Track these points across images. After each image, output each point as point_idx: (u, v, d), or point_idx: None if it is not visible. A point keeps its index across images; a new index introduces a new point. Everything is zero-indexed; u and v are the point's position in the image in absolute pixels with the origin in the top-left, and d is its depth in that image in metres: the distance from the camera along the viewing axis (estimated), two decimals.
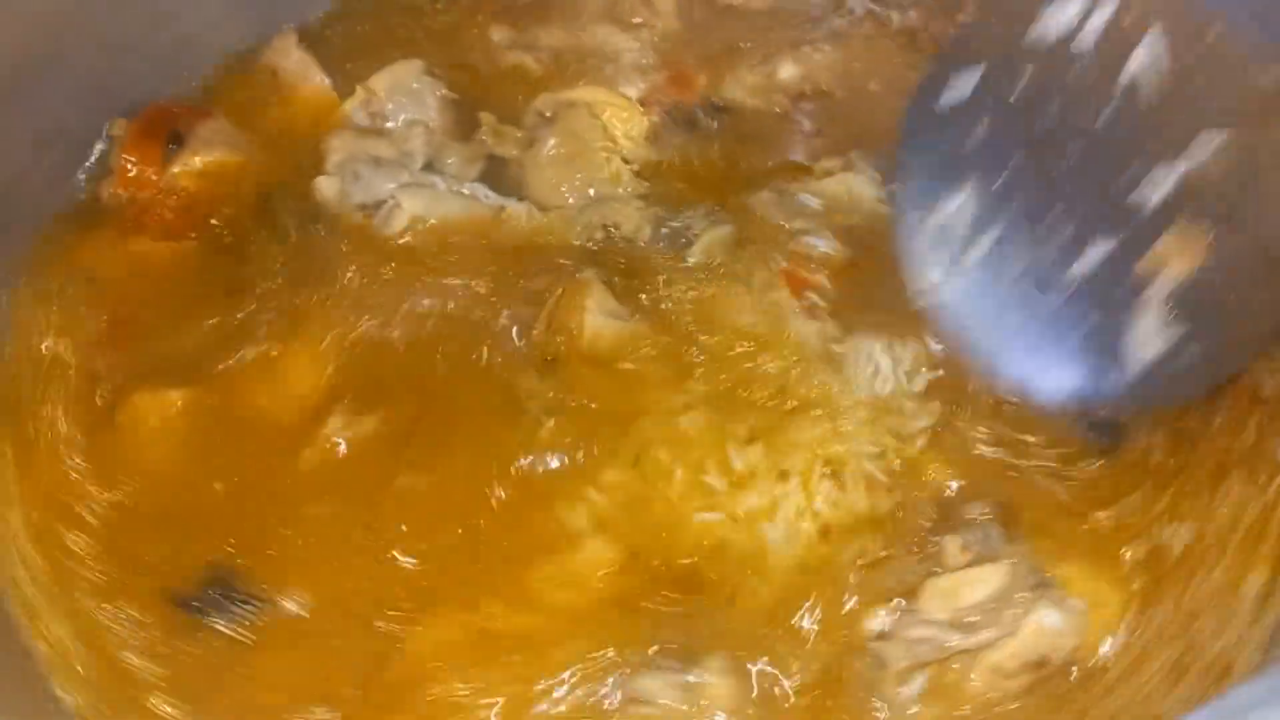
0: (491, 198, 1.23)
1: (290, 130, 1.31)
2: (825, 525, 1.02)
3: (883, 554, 1.00)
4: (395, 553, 0.99)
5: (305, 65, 1.38)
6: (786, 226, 1.22)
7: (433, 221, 1.19)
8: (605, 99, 1.31)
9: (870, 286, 1.17)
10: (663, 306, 1.15)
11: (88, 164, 1.26)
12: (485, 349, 1.11)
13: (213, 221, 1.22)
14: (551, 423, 1.06)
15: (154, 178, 1.23)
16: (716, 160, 1.30)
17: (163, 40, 1.32)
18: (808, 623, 0.97)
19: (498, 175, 1.27)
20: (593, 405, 1.07)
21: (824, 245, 1.21)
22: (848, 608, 0.97)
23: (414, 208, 1.19)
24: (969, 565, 0.97)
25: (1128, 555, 1.00)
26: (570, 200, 1.24)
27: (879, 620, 0.96)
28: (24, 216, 1.20)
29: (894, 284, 1.14)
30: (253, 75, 1.36)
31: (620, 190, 1.26)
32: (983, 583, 0.95)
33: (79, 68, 1.23)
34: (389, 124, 1.31)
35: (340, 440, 1.05)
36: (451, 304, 1.14)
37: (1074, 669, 0.94)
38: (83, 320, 1.14)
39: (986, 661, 0.93)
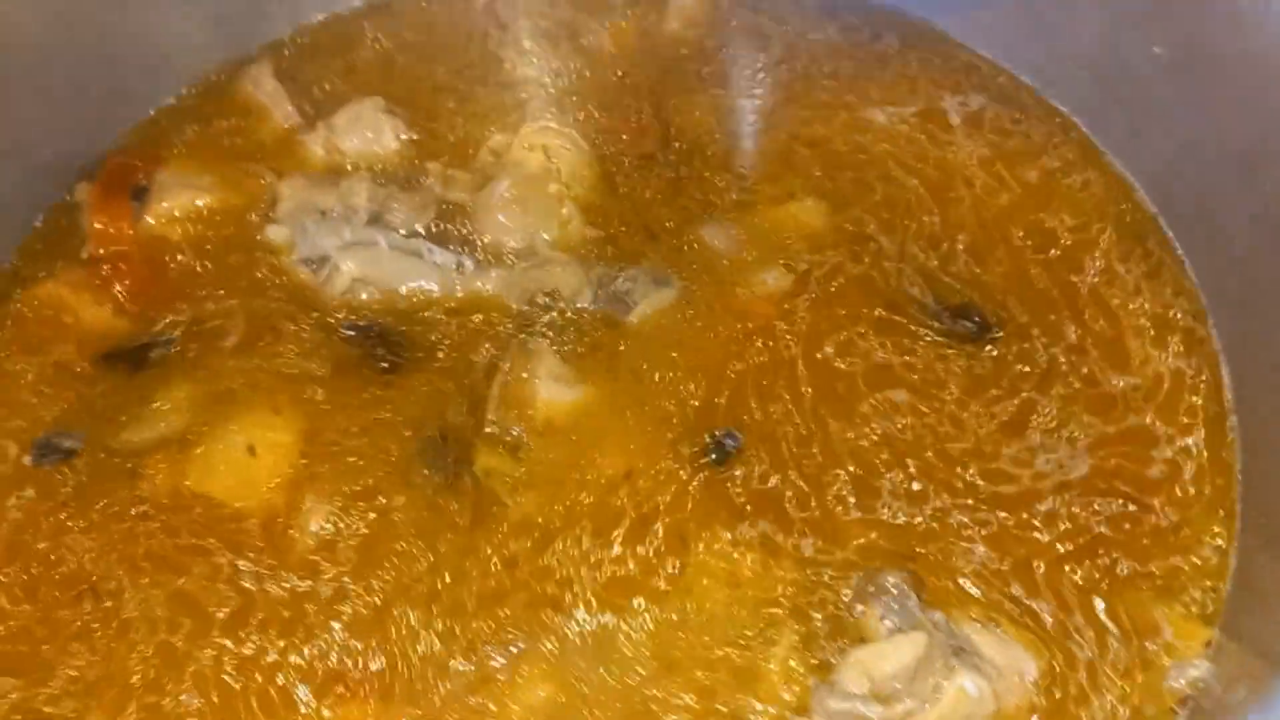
0: (436, 253, 1.22)
1: (251, 168, 1.32)
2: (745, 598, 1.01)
3: (798, 626, 0.99)
4: None
5: (277, 96, 1.38)
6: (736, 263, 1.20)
7: (372, 288, 1.20)
8: (559, 141, 1.26)
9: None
10: (609, 372, 1.14)
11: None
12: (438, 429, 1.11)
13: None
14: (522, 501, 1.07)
15: (129, 232, 1.27)
16: (667, 200, 1.26)
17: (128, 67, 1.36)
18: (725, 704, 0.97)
19: (450, 219, 1.26)
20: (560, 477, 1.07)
21: (772, 280, 1.19)
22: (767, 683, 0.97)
23: (353, 270, 1.19)
24: (887, 635, 0.96)
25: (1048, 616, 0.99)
26: (519, 237, 1.22)
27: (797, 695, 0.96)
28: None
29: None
30: (211, 110, 1.37)
31: (570, 231, 1.23)
32: (900, 652, 0.95)
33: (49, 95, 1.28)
34: (346, 160, 1.31)
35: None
36: (387, 376, 1.15)
37: None
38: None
39: None
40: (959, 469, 1.07)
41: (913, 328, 1.16)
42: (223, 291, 1.23)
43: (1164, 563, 1.02)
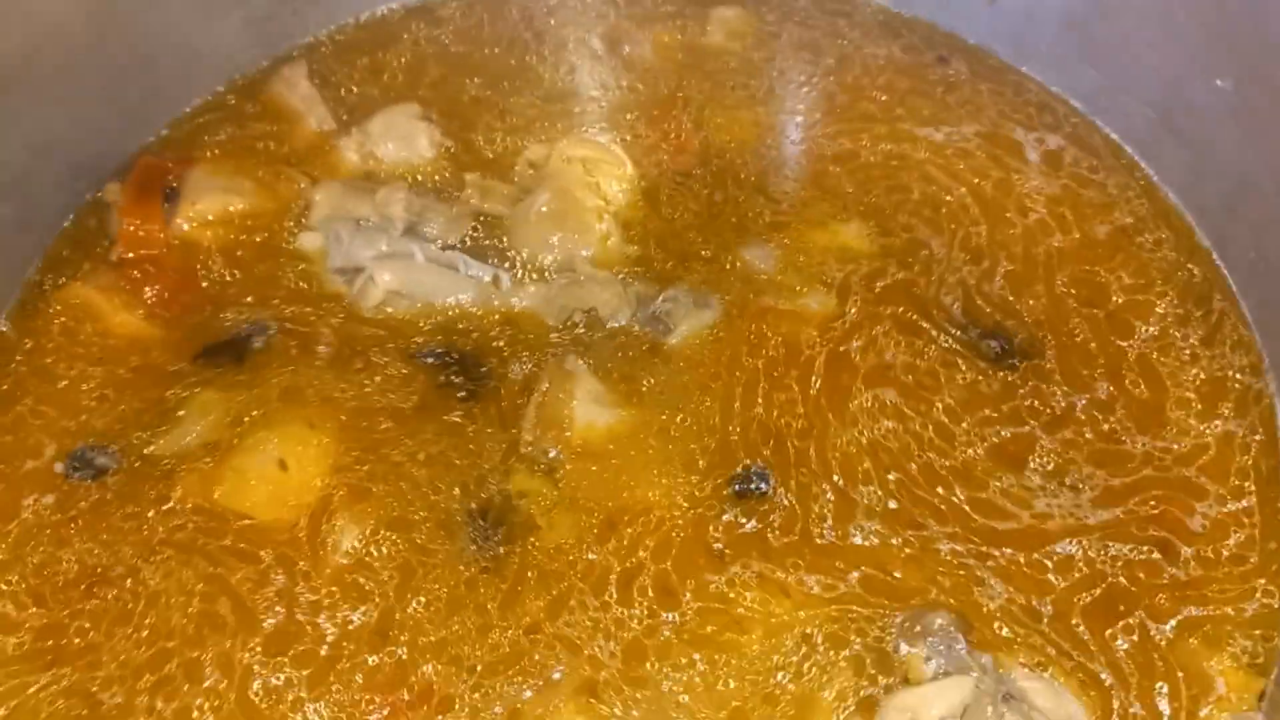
0: (472, 267, 1.19)
1: (285, 172, 1.30)
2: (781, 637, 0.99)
3: (842, 665, 0.97)
4: None
5: (311, 100, 1.36)
6: (778, 287, 1.19)
7: (406, 301, 1.17)
8: (598, 155, 1.24)
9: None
10: (648, 395, 1.12)
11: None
12: (471, 449, 1.09)
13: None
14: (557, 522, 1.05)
15: (158, 234, 1.25)
16: (710, 216, 1.24)
17: (162, 67, 1.34)
18: None
19: (487, 231, 1.23)
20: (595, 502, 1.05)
21: (815, 304, 1.17)
22: None
23: (389, 282, 1.17)
24: (933, 679, 0.94)
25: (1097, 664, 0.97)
26: (557, 252, 1.20)
27: None
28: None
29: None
30: (245, 112, 1.35)
31: (609, 247, 1.21)
32: (947, 696, 0.93)
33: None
34: (380, 168, 1.29)
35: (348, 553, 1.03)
36: (431, 395, 1.12)
37: None
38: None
39: None
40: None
41: (961, 363, 1.14)
42: (252, 299, 1.21)
43: (1209, 611, 1.00)
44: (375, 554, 1.03)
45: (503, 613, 1.00)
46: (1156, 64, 1.22)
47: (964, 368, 1.14)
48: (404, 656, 0.98)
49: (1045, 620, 0.99)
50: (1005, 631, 0.98)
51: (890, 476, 1.07)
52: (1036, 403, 1.12)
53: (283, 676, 0.98)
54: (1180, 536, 1.04)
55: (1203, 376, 1.14)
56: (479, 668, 0.97)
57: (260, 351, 1.15)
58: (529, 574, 1.01)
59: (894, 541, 1.03)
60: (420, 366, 1.14)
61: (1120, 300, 1.19)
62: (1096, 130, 1.32)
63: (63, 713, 0.96)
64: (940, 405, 1.11)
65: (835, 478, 1.07)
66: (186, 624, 1.00)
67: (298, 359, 1.15)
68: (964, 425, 1.10)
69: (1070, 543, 1.03)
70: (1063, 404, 1.12)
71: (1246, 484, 1.08)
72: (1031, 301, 1.18)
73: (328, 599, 1.01)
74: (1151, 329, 1.17)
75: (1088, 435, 1.10)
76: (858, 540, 1.03)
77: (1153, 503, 1.06)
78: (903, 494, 1.06)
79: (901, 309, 1.17)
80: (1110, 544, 1.03)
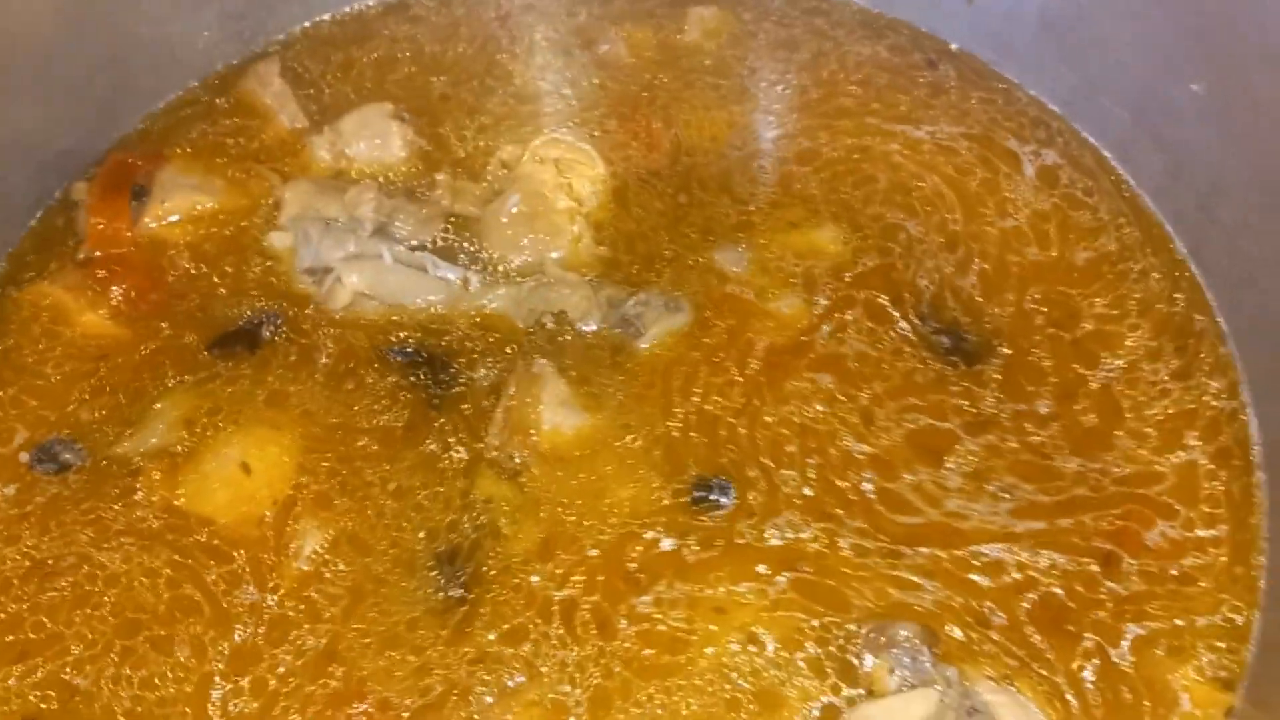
0: (442, 269, 1.18)
1: (256, 170, 1.28)
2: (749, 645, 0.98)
3: (806, 675, 0.96)
4: None
5: (284, 97, 1.35)
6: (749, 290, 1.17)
7: (374, 302, 1.16)
8: (572, 155, 1.23)
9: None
10: (616, 400, 1.11)
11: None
12: (439, 450, 1.08)
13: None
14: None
15: (127, 233, 1.24)
16: (679, 217, 1.23)
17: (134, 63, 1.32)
18: None
19: (458, 232, 1.22)
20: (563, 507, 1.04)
21: (786, 307, 1.16)
22: None
23: (356, 284, 1.16)
24: (897, 691, 0.93)
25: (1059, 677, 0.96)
26: (528, 254, 1.19)
27: None
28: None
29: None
30: (217, 109, 1.34)
31: (580, 249, 1.20)
32: (910, 710, 0.92)
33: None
34: (352, 166, 1.28)
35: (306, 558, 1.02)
36: (400, 399, 1.11)
37: None
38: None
39: None
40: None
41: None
42: (222, 299, 1.19)
43: (1168, 625, 0.98)
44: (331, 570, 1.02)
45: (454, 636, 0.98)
46: (1133, 66, 1.21)
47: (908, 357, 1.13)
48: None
49: (994, 626, 0.98)
50: (961, 639, 0.97)
51: (867, 485, 1.05)
52: (965, 403, 1.10)
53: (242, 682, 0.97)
54: (1129, 551, 1.02)
55: (1170, 410, 1.10)
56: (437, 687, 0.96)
57: (268, 342, 1.15)
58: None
59: (842, 544, 1.02)
60: (397, 382, 1.12)
61: (1090, 328, 1.16)
62: (1084, 142, 1.30)
63: (41, 701, 0.96)
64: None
65: (805, 490, 1.05)
66: (156, 603, 1.00)
67: (297, 356, 1.14)
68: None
69: (996, 547, 1.02)
70: (991, 410, 1.10)
71: (1216, 509, 1.05)
72: (997, 310, 1.16)
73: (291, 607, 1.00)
74: (1120, 361, 1.13)
75: (1011, 444, 1.08)
76: (836, 546, 1.02)
77: (1093, 519, 1.04)
78: (873, 493, 1.05)
79: (874, 295, 1.16)
80: (1044, 553, 1.01)
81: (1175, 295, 1.18)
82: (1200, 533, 1.03)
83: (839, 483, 1.05)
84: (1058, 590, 1.00)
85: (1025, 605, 0.99)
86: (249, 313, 1.17)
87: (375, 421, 1.10)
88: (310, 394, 1.12)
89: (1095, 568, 1.01)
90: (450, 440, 1.09)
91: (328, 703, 0.95)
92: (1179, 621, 0.98)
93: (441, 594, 1.00)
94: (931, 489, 1.05)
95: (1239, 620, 0.98)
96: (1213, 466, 1.07)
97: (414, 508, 1.05)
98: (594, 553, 1.01)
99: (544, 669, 0.96)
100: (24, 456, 1.09)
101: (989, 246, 1.21)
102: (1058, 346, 1.14)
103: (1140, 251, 1.21)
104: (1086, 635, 0.97)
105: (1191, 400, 1.12)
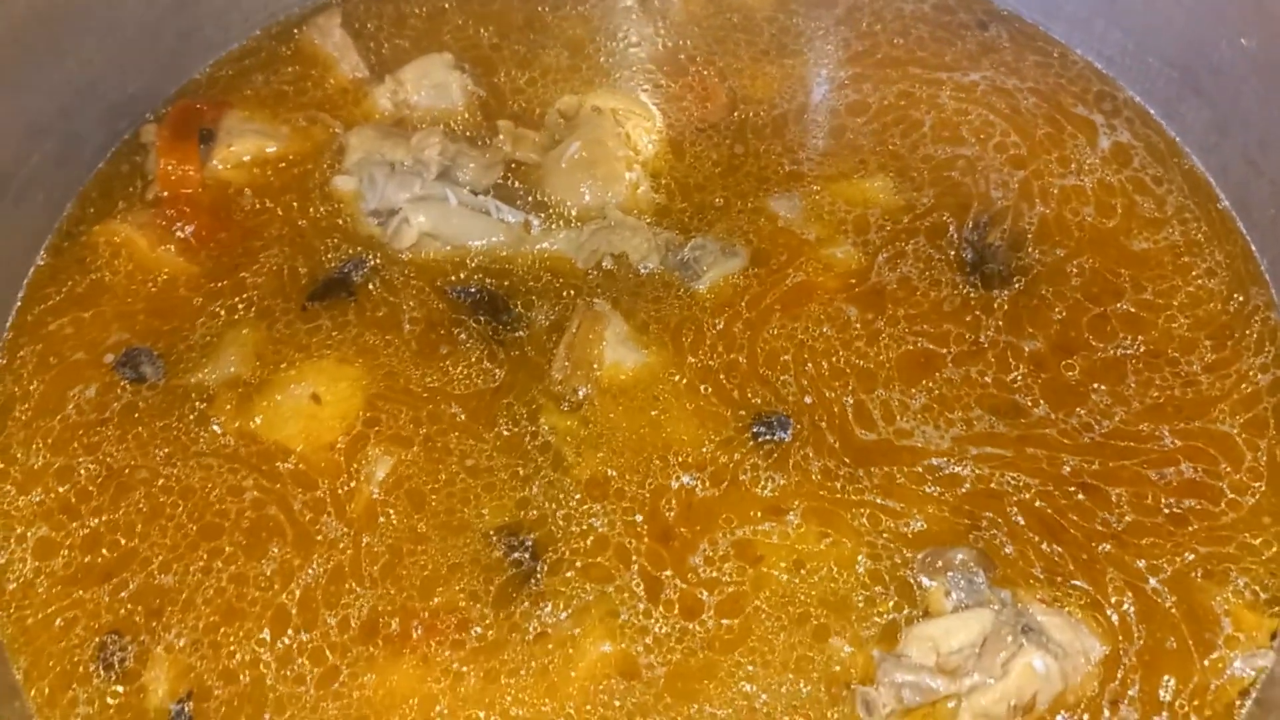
0: (504, 211, 1.22)
1: (319, 117, 1.32)
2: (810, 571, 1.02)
3: (867, 597, 1.00)
4: None
5: (344, 48, 1.38)
6: (801, 235, 1.21)
7: (439, 243, 1.20)
8: (629, 106, 1.26)
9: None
10: (675, 338, 1.14)
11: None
12: (508, 386, 1.12)
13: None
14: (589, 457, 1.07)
15: (194, 174, 1.27)
16: (734, 166, 1.26)
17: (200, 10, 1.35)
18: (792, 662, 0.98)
19: (519, 178, 1.26)
20: (625, 440, 1.08)
21: (840, 254, 1.20)
22: (833, 651, 0.98)
23: (423, 224, 1.19)
24: (953, 611, 0.97)
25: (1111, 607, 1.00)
26: (587, 200, 1.22)
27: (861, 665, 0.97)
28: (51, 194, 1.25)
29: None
30: (279, 57, 1.37)
31: (638, 196, 1.23)
32: (968, 628, 0.96)
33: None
34: (413, 115, 1.31)
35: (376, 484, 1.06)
36: (463, 335, 1.15)
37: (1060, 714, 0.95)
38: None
39: (974, 706, 0.94)
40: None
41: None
42: (286, 239, 1.23)
43: (1207, 551, 1.02)
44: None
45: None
46: (1181, 23, 1.24)
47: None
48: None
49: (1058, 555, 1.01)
50: (1023, 567, 1.01)
51: (939, 415, 1.09)
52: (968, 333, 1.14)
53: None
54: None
55: (1201, 386, 1.12)
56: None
57: (360, 285, 1.18)
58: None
59: (907, 478, 1.06)
60: (461, 320, 1.15)
61: (1130, 308, 1.17)
62: (1148, 118, 1.31)
63: (132, 613, 1.01)
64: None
65: (881, 425, 1.09)
66: (240, 519, 1.05)
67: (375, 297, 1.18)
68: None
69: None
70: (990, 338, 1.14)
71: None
72: (1039, 255, 1.20)
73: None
74: (1151, 344, 1.14)
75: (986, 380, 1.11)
76: (889, 477, 1.06)
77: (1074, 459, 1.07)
78: (924, 429, 1.08)
79: (925, 237, 1.21)
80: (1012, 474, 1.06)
81: (1235, 295, 1.18)
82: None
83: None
84: (1043, 505, 1.03)
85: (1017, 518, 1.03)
86: (334, 258, 1.20)
87: (441, 361, 1.14)
88: (373, 331, 1.16)
89: (1081, 496, 1.04)
90: (506, 372, 1.12)
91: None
92: (1211, 549, 1.02)
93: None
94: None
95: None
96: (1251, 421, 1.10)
97: (483, 441, 1.09)
98: (655, 480, 1.05)
99: (610, 590, 1.00)
100: (109, 357, 1.14)
101: (1050, 200, 1.24)
102: (1077, 309, 1.16)
103: (1207, 249, 1.21)
104: (1108, 552, 1.01)
105: (1230, 380, 1.12)
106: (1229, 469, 1.06)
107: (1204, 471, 1.06)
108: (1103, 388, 1.10)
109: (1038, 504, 1.04)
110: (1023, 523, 1.03)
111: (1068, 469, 1.06)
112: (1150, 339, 1.14)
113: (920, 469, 1.06)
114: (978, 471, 1.06)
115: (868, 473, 1.06)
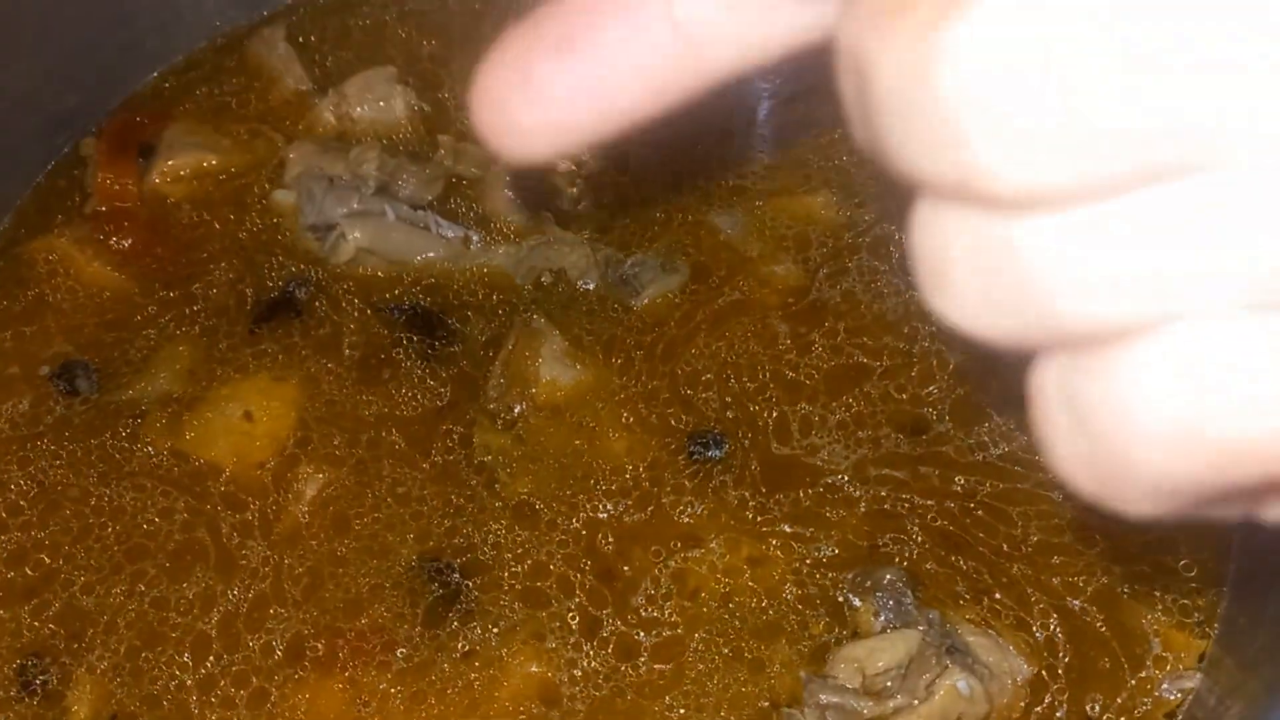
0: (443, 226, 1.21)
1: (261, 130, 1.31)
2: (744, 592, 1.01)
3: (793, 618, 1.00)
4: None
5: (289, 60, 1.37)
6: (744, 253, 1.20)
7: (376, 258, 1.19)
8: None
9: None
10: (612, 355, 1.14)
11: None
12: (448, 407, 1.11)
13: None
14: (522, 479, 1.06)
15: (132, 188, 1.26)
16: (676, 183, 1.25)
17: (141, 23, 1.34)
18: (712, 687, 0.97)
19: (459, 193, 1.25)
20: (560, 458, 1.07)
21: (781, 270, 1.19)
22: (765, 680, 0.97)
23: (359, 240, 1.18)
24: (881, 632, 0.97)
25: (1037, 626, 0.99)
26: (526, 220, 1.22)
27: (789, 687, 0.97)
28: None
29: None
30: (223, 70, 1.36)
31: (579, 210, 1.23)
32: (894, 648, 0.95)
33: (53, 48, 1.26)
34: (356, 128, 1.30)
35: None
36: (401, 354, 1.14)
37: None
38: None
39: None
40: None
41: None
42: (224, 253, 1.22)
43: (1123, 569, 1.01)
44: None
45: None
46: None
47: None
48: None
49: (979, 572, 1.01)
50: (949, 587, 1.00)
51: (866, 439, 1.08)
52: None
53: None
54: None
55: None
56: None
57: (306, 303, 1.17)
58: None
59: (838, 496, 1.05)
60: (395, 337, 1.15)
61: None
62: None
63: (54, 634, 0.99)
64: None
65: (796, 440, 1.08)
66: (167, 541, 1.03)
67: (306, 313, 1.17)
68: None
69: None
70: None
71: None
72: None
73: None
74: None
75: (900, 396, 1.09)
76: (821, 496, 1.05)
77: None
78: (855, 449, 1.08)
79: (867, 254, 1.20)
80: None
81: None
82: None
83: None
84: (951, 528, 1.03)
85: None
86: (277, 275, 1.19)
87: (382, 383, 1.13)
88: (313, 349, 1.15)
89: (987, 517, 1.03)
90: (443, 390, 1.12)
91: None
92: (1143, 567, 1.01)
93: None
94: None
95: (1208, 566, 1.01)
96: None
97: (411, 452, 1.08)
98: (589, 502, 1.05)
99: (543, 616, 0.99)
100: (44, 369, 1.14)
101: None
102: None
103: None
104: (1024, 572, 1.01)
105: None
106: None
107: None
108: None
109: (937, 522, 1.03)
110: (926, 542, 1.02)
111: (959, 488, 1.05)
112: None
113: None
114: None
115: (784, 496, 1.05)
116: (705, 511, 1.04)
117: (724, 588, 1.01)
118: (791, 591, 1.01)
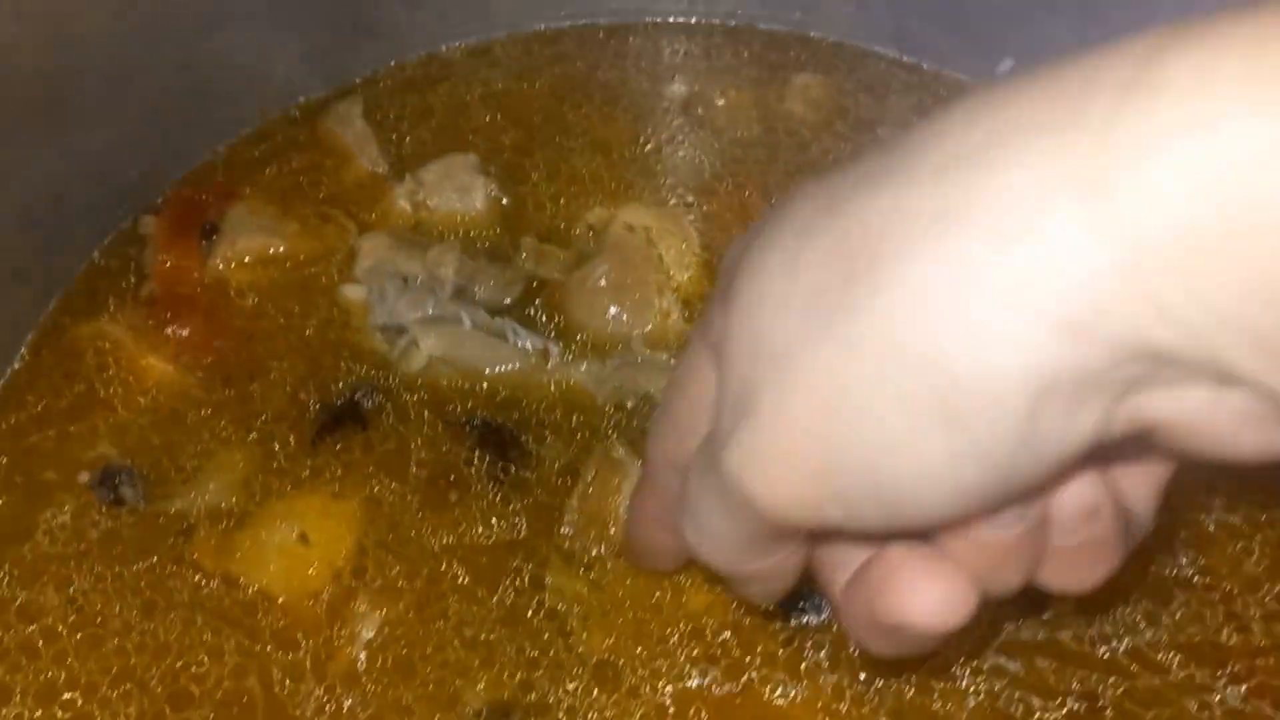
0: (521, 336, 1.12)
1: (332, 214, 1.23)
2: None
3: None
4: None
5: (365, 139, 1.29)
6: None
7: (449, 368, 1.10)
8: (662, 224, 1.17)
9: None
10: None
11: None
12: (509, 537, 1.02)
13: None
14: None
15: (195, 273, 1.18)
16: None
17: (213, 92, 1.27)
18: None
19: (540, 296, 1.16)
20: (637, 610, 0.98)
21: None
22: None
23: (433, 348, 1.10)
24: None
25: None
26: (613, 328, 1.13)
27: None
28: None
29: None
30: (294, 145, 1.28)
31: (668, 325, 1.14)
32: None
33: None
34: (433, 217, 1.22)
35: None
36: (471, 474, 1.05)
37: None
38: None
39: None
40: None
41: None
42: (290, 350, 1.14)
43: None
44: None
45: None
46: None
47: None
48: None
49: None
50: None
51: None
52: None
53: None
54: None
55: None
56: None
57: (371, 414, 1.08)
58: None
59: None
60: (465, 455, 1.06)
61: None
62: None
63: None
64: None
65: None
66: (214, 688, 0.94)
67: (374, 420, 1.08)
68: None
69: None
70: None
71: None
72: None
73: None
74: None
75: None
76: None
77: None
78: None
79: None
80: None
81: None
82: None
83: None
84: None
85: None
86: (343, 379, 1.11)
87: (449, 508, 1.04)
88: (376, 466, 1.06)
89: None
90: (516, 521, 1.03)
91: None
92: None
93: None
94: None
95: None
96: None
97: (477, 589, 0.99)
98: (673, 668, 0.95)
99: None
100: (84, 476, 1.05)
101: None
102: None
103: None
104: None
105: None
106: None
107: None
108: None
109: None
110: None
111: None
112: None
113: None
114: None
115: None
116: (800, 698, 0.94)
117: None
118: None
